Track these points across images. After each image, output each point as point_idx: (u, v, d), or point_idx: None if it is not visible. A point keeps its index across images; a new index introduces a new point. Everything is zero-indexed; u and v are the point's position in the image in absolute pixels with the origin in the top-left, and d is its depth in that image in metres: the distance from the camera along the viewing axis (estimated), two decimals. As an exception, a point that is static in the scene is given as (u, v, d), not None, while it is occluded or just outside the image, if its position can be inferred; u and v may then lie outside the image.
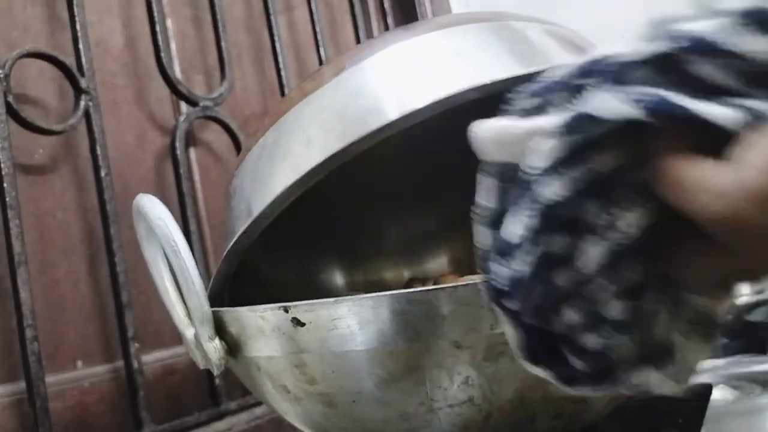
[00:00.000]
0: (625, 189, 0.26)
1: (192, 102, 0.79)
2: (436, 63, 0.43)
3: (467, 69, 0.42)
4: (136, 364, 0.66)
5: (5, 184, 0.60)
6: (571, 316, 0.28)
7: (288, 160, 0.43)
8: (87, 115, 0.68)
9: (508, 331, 0.30)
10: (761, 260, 0.26)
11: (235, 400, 0.74)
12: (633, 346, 0.29)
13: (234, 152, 0.82)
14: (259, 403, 0.74)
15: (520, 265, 0.28)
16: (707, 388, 0.56)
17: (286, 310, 0.41)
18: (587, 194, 0.26)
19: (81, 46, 0.68)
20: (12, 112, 0.62)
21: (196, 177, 0.81)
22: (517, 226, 0.27)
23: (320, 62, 1.01)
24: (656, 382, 0.30)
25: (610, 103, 0.25)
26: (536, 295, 0.28)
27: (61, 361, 0.65)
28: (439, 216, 0.70)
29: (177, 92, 0.78)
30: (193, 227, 0.75)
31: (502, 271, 0.28)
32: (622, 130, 0.25)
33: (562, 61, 0.28)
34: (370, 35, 1.14)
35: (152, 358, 0.71)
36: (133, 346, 0.67)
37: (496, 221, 0.29)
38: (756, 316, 0.84)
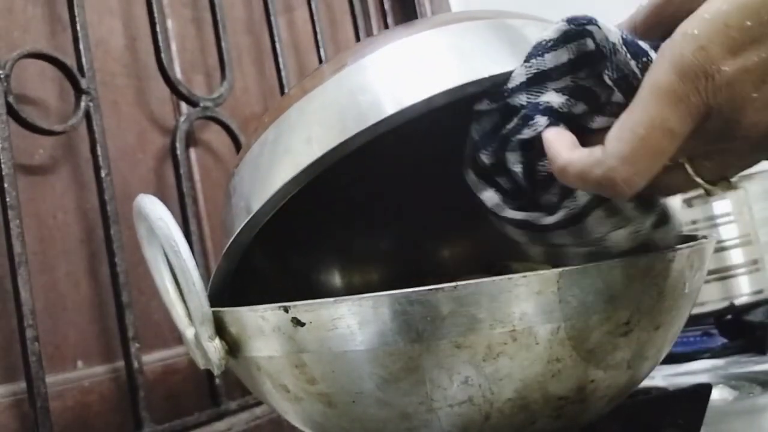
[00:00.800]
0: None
1: (192, 102, 0.79)
2: (435, 59, 0.43)
3: (465, 65, 0.42)
4: (136, 364, 0.67)
5: (6, 185, 0.60)
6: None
7: (289, 157, 0.43)
8: (87, 115, 0.68)
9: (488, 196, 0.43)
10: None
11: (235, 400, 0.74)
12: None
13: (234, 153, 0.82)
14: (259, 403, 0.75)
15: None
16: (707, 388, 0.56)
17: (286, 310, 0.41)
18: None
19: (81, 46, 0.68)
20: (12, 113, 0.62)
21: (197, 177, 0.81)
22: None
23: (320, 63, 1.01)
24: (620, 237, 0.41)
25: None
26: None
27: (61, 361, 0.65)
28: (444, 214, 0.70)
29: (177, 93, 0.78)
30: (193, 227, 0.76)
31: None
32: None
33: None
34: (370, 35, 1.14)
35: (152, 358, 0.71)
36: (134, 346, 0.67)
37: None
38: (755, 317, 0.84)
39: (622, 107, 0.35)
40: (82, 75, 0.68)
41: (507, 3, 1.33)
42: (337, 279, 0.70)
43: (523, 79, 0.40)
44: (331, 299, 0.41)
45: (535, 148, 0.40)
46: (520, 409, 0.41)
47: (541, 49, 0.40)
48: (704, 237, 0.50)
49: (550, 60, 0.39)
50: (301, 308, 0.41)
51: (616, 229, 0.41)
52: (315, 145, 0.42)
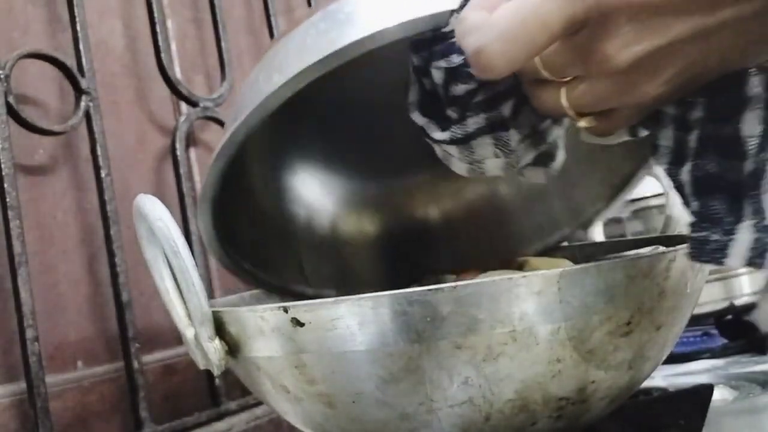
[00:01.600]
0: None
1: (192, 102, 0.79)
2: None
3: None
4: (136, 365, 0.66)
5: (6, 185, 0.60)
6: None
7: (281, 70, 0.44)
8: (87, 115, 0.68)
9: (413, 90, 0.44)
10: None
11: (235, 400, 0.74)
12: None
13: (234, 153, 0.82)
14: (259, 403, 0.75)
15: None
16: (708, 389, 0.56)
17: (285, 310, 0.41)
18: None
19: (81, 46, 0.68)
20: (12, 113, 0.62)
21: (197, 177, 0.81)
22: None
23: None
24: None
25: None
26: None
27: (61, 362, 0.65)
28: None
29: (177, 93, 0.78)
30: (193, 227, 0.75)
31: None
32: None
33: None
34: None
35: (152, 359, 0.71)
36: (134, 346, 0.67)
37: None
38: (755, 317, 0.84)
39: None
40: (82, 75, 0.68)
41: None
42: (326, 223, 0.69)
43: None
44: (331, 299, 0.41)
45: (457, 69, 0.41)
46: (520, 409, 0.41)
47: None
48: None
49: None
50: (301, 308, 0.41)
51: (495, 158, 0.43)
52: (306, 55, 0.42)
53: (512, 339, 0.39)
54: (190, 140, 0.81)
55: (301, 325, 0.41)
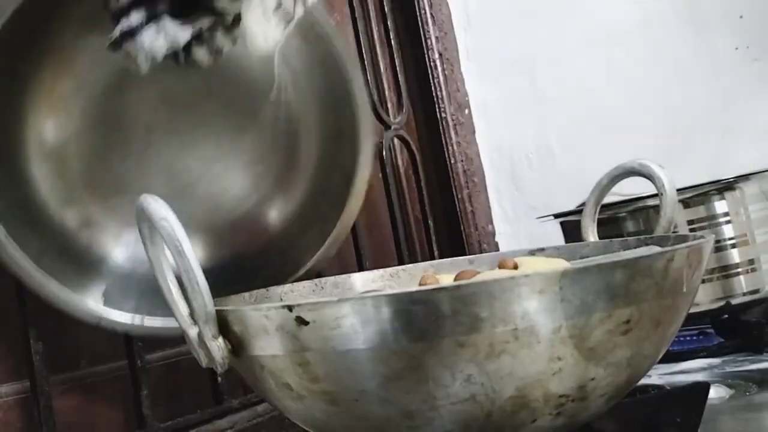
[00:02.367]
0: None
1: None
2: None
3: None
4: (139, 363, 0.67)
5: (9, 185, 0.60)
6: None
7: None
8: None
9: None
10: None
11: (237, 398, 0.75)
12: None
13: (235, 153, 0.82)
14: (261, 401, 0.75)
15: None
16: (704, 387, 0.57)
17: (290, 308, 0.42)
18: None
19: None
20: (16, 113, 0.63)
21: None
22: None
23: (320, 63, 1.01)
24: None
25: None
26: None
27: (65, 360, 0.66)
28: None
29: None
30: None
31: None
32: None
33: None
34: (370, 37, 1.14)
35: (155, 357, 0.72)
36: (136, 345, 0.67)
37: None
38: (751, 316, 0.85)
39: None
40: (85, 76, 0.68)
41: (507, 5, 1.33)
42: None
43: None
44: (335, 298, 0.41)
45: None
46: (521, 406, 0.42)
47: None
48: (702, 236, 0.51)
49: None
50: (305, 307, 0.42)
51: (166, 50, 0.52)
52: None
53: (514, 337, 0.40)
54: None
55: (305, 323, 0.42)
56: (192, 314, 0.46)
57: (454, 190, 1.19)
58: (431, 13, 1.22)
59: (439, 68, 1.21)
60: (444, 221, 1.19)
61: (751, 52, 1.13)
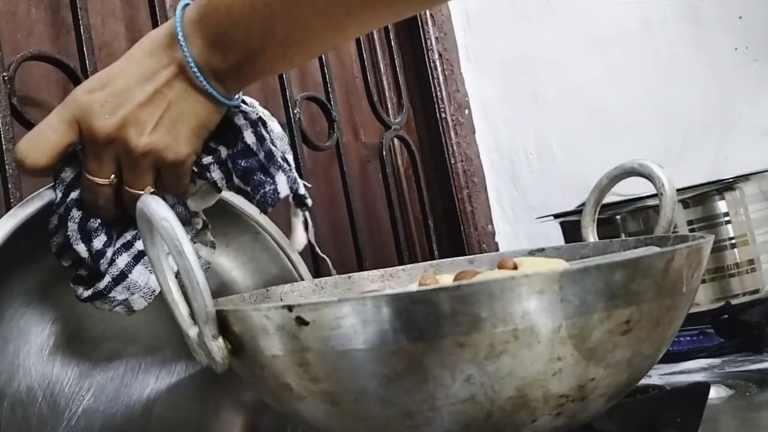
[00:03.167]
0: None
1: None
2: None
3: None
4: (139, 364, 0.67)
5: (10, 186, 0.61)
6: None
7: None
8: (90, 116, 0.68)
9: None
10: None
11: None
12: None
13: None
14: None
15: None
16: (704, 387, 0.57)
17: (290, 309, 0.42)
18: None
19: (85, 49, 0.69)
20: (16, 114, 0.63)
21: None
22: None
23: (321, 64, 1.01)
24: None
25: None
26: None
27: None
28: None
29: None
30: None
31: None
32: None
33: None
34: (370, 37, 1.15)
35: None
36: (137, 346, 0.67)
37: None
38: (751, 316, 0.85)
39: None
40: (86, 77, 0.68)
41: (506, 5, 1.33)
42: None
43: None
44: (335, 298, 0.41)
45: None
46: (521, 407, 0.42)
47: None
48: (702, 236, 0.51)
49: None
50: (305, 307, 0.42)
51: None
52: None
53: (514, 337, 0.40)
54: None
55: (306, 323, 0.42)
56: (192, 314, 0.46)
57: (454, 190, 1.19)
58: (431, 14, 1.22)
59: (439, 68, 1.21)
60: (444, 221, 1.19)
61: (751, 53, 1.13)
